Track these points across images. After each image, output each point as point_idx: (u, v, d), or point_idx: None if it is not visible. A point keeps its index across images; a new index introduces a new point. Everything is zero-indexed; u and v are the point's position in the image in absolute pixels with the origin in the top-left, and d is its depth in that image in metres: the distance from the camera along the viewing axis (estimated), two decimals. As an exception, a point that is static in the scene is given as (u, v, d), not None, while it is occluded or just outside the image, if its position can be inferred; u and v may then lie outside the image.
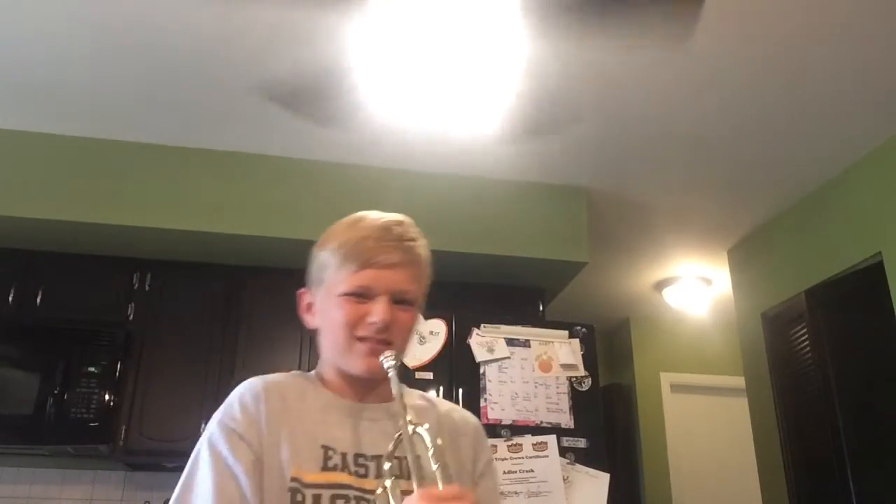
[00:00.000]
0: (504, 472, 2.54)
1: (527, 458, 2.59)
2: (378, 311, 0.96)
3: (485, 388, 2.71)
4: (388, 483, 0.87)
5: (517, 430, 2.66)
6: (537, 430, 2.65)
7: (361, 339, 0.97)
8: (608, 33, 2.41)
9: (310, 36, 2.43)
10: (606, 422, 2.90)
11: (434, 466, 0.83)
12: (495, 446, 2.56)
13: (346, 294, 0.98)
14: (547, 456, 2.60)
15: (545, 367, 2.77)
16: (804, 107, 2.84)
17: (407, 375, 2.44)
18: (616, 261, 4.32)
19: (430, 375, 2.73)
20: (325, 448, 0.94)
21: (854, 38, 2.45)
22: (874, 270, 3.02)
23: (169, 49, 2.55)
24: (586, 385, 2.78)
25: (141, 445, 3.04)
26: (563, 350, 2.80)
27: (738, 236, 4.01)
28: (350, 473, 0.93)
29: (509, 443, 2.61)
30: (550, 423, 2.68)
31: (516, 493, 2.50)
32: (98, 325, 3.12)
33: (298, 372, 1.07)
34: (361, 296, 0.97)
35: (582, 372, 2.79)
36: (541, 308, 3.56)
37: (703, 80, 2.68)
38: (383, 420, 0.99)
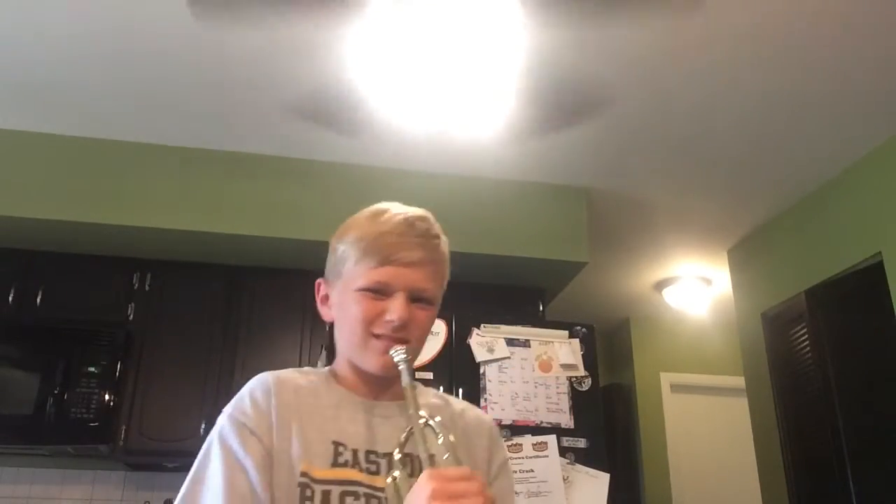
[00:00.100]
0: (504, 472, 2.53)
1: (527, 458, 2.59)
2: (395, 309, 0.94)
3: (485, 388, 2.70)
4: (396, 473, 0.86)
5: (517, 430, 2.66)
6: (537, 430, 2.64)
7: (377, 337, 0.95)
8: (608, 33, 2.41)
9: (310, 37, 2.43)
10: (606, 422, 2.89)
11: (445, 456, 0.82)
12: (495, 446, 2.55)
13: (364, 290, 0.95)
14: (547, 456, 2.60)
15: (545, 367, 2.77)
16: (804, 107, 2.84)
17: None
18: (616, 261, 4.32)
19: (430, 375, 2.72)
20: (336, 444, 0.93)
21: (854, 38, 2.45)
22: (874, 270, 3.02)
23: (168, 49, 2.55)
24: (586, 385, 2.78)
25: (141, 445, 3.05)
26: (563, 350, 2.80)
27: (738, 236, 4.01)
28: (361, 470, 0.92)
29: (509, 443, 2.61)
30: (550, 423, 2.68)
31: (516, 493, 2.50)
32: (98, 325, 3.12)
33: (311, 368, 1.05)
34: (379, 292, 0.95)
35: (582, 372, 2.79)
36: (541, 308, 3.56)
37: (703, 80, 2.68)
38: (396, 417, 0.98)
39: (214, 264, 3.37)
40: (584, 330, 2.88)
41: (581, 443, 2.67)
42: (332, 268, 1.02)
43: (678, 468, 4.98)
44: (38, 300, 3.14)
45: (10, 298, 3.12)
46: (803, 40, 2.46)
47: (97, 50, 2.56)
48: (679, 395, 5.22)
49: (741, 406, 3.98)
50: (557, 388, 2.75)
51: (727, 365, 4.92)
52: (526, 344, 2.80)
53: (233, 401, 0.95)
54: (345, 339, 1.00)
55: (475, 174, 3.36)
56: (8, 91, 2.83)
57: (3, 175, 3.03)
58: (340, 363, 1.03)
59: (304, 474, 0.88)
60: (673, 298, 4.72)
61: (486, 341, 2.78)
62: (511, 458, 2.59)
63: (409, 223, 0.98)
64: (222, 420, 0.93)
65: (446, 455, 0.83)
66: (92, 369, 3.01)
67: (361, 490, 0.90)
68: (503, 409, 2.68)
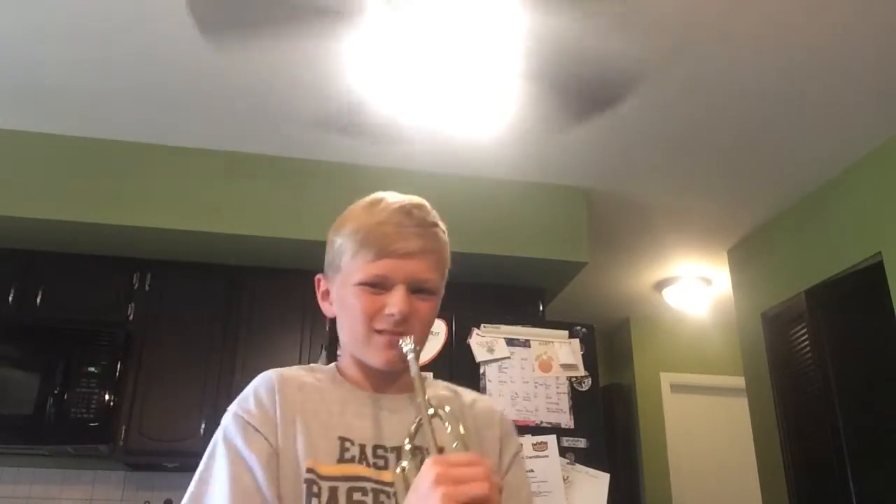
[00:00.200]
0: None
1: (527, 458, 2.59)
2: (396, 303, 0.92)
3: (485, 389, 2.70)
4: (405, 464, 0.85)
5: (517, 430, 2.66)
6: (537, 430, 2.64)
7: (380, 332, 0.93)
8: (609, 32, 2.41)
9: (309, 37, 2.43)
10: (606, 422, 2.89)
11: (454, 445, 0.81)
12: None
13: (363, 284, 0.93)
14: (547, 456, 2.60)
15: (545, 367, 2.77)
16: (804, 107, 2.84)
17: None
18: (616, 261, 4.32)
19: (430, 376, 2.72)
20: (342, 440, 0.91)
21: (854, 38, 2.45)
22: (874, 270, 3.02)
23: (168, 49, 2.55)
24: (586, 385, 2.78)
25: (141, 445, 3.04)
26: (563, 350, 2.80)
27: (738, 236, 4.01)
28: (368, 465, 0.90)
29: (509, 443, 2.60)
30: (550, 423, 2.68)
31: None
32: (98, 325, 3.12)
33: (317, 365, 1.04)
34: (378, 286, 0.93)
35: (582, 372, 2.78)
36: (541, 308, 3.55)
37: (703, 80, 2.68)
38: (404, 410, 0.96)
39: (214, 264, 3.37)
40: (584, 330, 2.87)
41: (581, 443, 2.67)
42: (330, 262, 1.00)
43: (678, 468, 4.98)
44: (38, 300, 3.14)
45: (10, 298, 3.12)
46: (803, 40, 2.46)
47: (97, 50, 2.56)
48: (679, 395, 5.22)
49: (741, 406, 3.98)
50: (557, 388, 2.74)
51: (727, 365, 4.92)
52: (526, 344, 2.80)
53: (237, 399, 0.94)
54: (347, 335, 0.98)
55: (475, 174, 3.36)
56: (8, 91, 2.83)
57: (3, 175, 3.03)
58: (345, 358, 1.02)
59: (310, 471, 0.87)
60: (673, 298, 4.72)
61: (486, 341, 2.78)
62: (511, 457, 2.59)
63: (406, 212, 0.96)
64: (227, 419, 0.92)
65: (455, 444, 0.81)
66: (92, 369, 3.01)
67: (369, 486, 0.88)
68: (503, 409, 2.68)
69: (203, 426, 3.00)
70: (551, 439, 2.64)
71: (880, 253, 3.00)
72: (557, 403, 2.72)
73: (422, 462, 0.77)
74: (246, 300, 3.34)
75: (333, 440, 0.91)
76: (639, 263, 4.41)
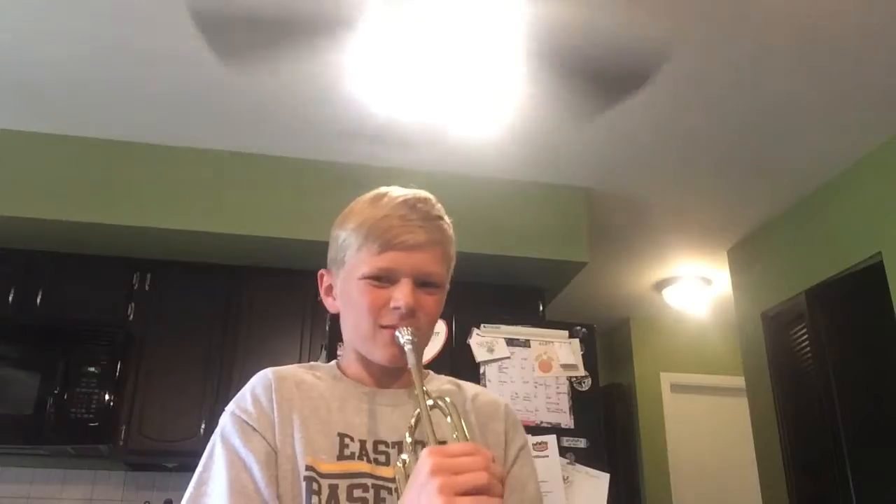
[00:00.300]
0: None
1: (527, 457, 2.59)
2: (401, 296, 0.90)
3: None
4: (405, 457, 0.84)
5: (517, 429, 2.66)
6: (537, 430, 2.64)
7: (385, 327, 0.92)
8: (608, 31, 2.41)
9: (309, 36, 2.43)
10: (606, 422, 2.89)
11: (454, 436, 0.80)
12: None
13: (367, 277, 0.92)
14: (547, 456, 2.60)
15: (545, 367, 2.76)
16: (804, 107, 2.84)
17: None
18: (616, 261, 4.32)
19: (431, 371, 2.73)
20: (342, 436, 0.90)
21: (854, 38, 2.45)
22: (874, 270, 3.02)
23: (169, 50, 2.55)
24: (586, 385, 2.78)
25: (141, 445, 3.04)
26: (563, 350, 2.80)
27: (738, 236, 4.01)
28: (369, 462, 0.89)
29: (509, 443, 2.60)
30: (550, 423, 2.68)
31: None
32: (98, 325, 3.12)
33: (316, 363, 1.03)
34: (383, 279, 0.92)
35: (582, 372, 2.78)
36: (541, 308, 3.55)
37: (703, 80, 2.68)
38: (404, 404, 0.95)
39: (214, 264, 3.37)
40: (584, 330, 2.87)
41: (581, 443, 2.67)
42: (334, 257, 0.99)
43: (678, 468, 4.98)
44: (38, 300, 3.14)
45: (10, 298, 3.12)
46: (804, 40, 2.46)
47: (98, 50, 2.56)
48: (679, 395, 5.22)
49: (741, 406, 3.98)
50: (557, 388, 2.74)
51: (727, 365, 4.92)
52: (526, 344, 2.80)
53: (234, 399, 0.93)
54: (351, 331, 0.97)
55: (475, 174, 3.36)
56: (8, 91, 2.83)
57: (3, 175, 3.03)
58: (347, 355, 1.01)
59: (309, 468, 0.86)
60: (673, 298, 4.72)
61: (486, 341, 2.78)
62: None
63: (411, 205, 0.95)
64: (224, 419, 0.91)
65: (455, 435, 0.80)
66: (92, 369, 3.01)
67: (370, 482, 0.87)
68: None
69: (203, 426, 3.00)
70: (551, 439, 2.63)
71: (880, 253, 3.00)
72: (557, 403, 2.72)
73: None
74: (246, 300, 3.34)
75: (333, 437, 0.90)
76: (639, 263, 4.41)
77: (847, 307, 3.24)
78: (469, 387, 1.05)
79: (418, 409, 0.84)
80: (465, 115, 2.87)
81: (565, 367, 2.78)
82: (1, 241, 3.16)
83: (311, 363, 1.03)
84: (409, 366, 0.87)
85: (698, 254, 4.26)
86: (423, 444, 0.85)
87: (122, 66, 2.65)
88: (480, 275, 3.42)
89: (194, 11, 2.33)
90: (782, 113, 2.88)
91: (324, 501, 0.85)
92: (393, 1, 2.25)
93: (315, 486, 0.85)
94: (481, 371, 2.74)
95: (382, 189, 0.98)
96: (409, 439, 0.87)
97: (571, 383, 2.76)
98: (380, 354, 0.93)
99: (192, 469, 0.89)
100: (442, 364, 2.76)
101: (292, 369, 0.98)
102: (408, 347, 0.89)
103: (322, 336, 3.20)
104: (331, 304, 1.01)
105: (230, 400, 0.95)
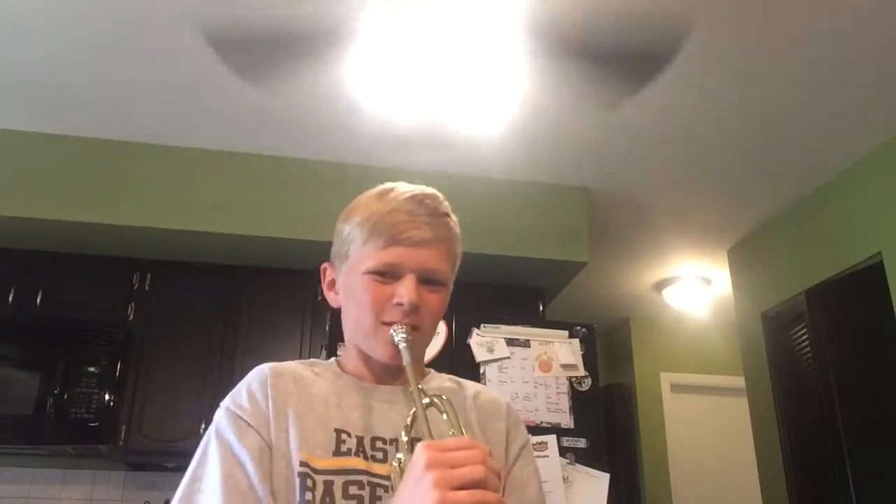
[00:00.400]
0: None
1: (527, 457, 2.59)
2: (405, 292, 0.89)
3: (485, 388, 2.71)
4: (401, 456, 0.83)
5: (517, 429, 2.65)
6: (537, 430, 2.64)
7: (387, 324, 0.90)
8: (610, 24, 2.41)
9: (310, 36, 2.43)
10: (606, 422, 2.89)
11: (451, 432, 0.79)
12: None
13: (371, 272, 0.91)
14: (547, 456, 2.60)
15: (545, 367, 2.76)
16: (804, 107, 2.83)
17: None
18: (616, 261, 4.32)
19: (432, 369, 2.73)
20: (339, 431, 0.89)
21: (854, 39, 2.45)
22: (874, 270, 3.02)
23: (168, 50, 2.55)
24: (586, 385, 2.78)
25: (141, 445, 3.05)
26: (563, 350, 2.80)
27: (738, 236, 4.01)
28: (366, 458, 0.88)
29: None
30: (550, 423, 2.68)
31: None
32: (98, 325, 3.12)
33: (316, 360, 1.02)
34: (387, 274, 0.90)
35: (582, 372, 2.78)
36: (541, 308, 3.55)
37: (703, 80, 2.68)
38: (403, 402, 0.94)
39: (214, 264, 3.37)
40: (584, 330, 2.87)
41: (581, 443, 2.67)
42: (338, 250, 0.98)
43: (678, 468, 4.98)
44: (38, 300, 3.14)
45: (10, 298, 3.12)
46: (804, 40, 2.46)
47: (98, 50, 2.56)
48: (679, 395, 5.22)
49: (741, 406, 3.98)
50: (557, 388, 2.74)
51: (727, 365, 4.92)
52: (526, 344, 2.80)
53: (230, 394, 0.92)
54: (353, 326, 0.96)
55: (475, 174, 3.35)
56: (8, 91, 2.83)
57: (3, 175, 3.03)
58: (348, 351, 1.00)
59: (303, 464, 0.85)
60: (673, 298, 4.72)
61: (486, 341, 2.78)
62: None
63: (418, 200, 0.93)
64: (219, 414, 0.90)
65: (451, 432, 0.80)
66: (92, 369, 3.01)
67: (365, 479, 0.86)
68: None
69: (203, 426, 3.00)
70: (551, 439, 2.63)
71: (880, 253, 3.00)
72: (557, 403, 2.72)
73: None
74: (246, 300, 3.34)
75: (329, 432, 0.89)
76: (639, 263, 4.41)
77: (847, 307, 3.24)
78: (470, 385, 1.04)
79: (415, 408, 0.83)
80: (464, 115, 2.87)
81: (565, 367, 2.78)
82: (1, 241, 3.16)
83: (311, 360, 1.02)
84: (405, 364, 0.87)
85: (698, 254, 4.26)
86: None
87: (123, 66, 2.65)
88: (480, 275, 3.42)
89: (197, 24, 2.33)
90: (782, 113, 2.88)
91: (318, 498, 0.84)
92: (393, 2, 2.25)
93: (309, 482, 0.84)
94: (481, 371, 2.74)
95: (389, 184, 0.97)
96: (405, 438, 0.85)
97: (571, 383, 2.76)
98: (380, 351, 0.92)
99: (192, 468, 0.89)
100: (442, 364, 2.76)
101: (290, 365, 0.97)
102: (402, 345, 0.88)
103: (322, 336, 3.21)
104: (333, 298, 1.00)
105: None
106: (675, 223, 3.86)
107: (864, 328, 3.19)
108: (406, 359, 0.87)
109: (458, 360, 2.76)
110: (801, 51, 2.51)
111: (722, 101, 2.80)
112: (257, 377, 0.93)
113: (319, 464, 0.86)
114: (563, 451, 2.64)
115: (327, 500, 0.84)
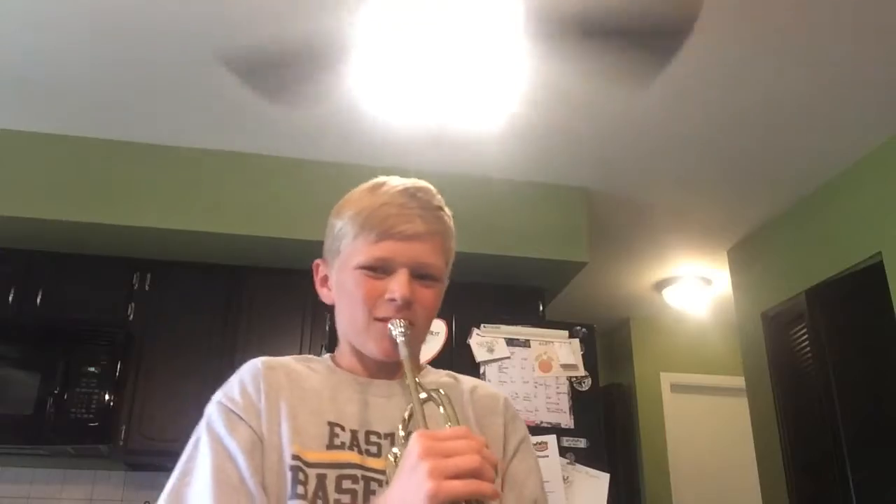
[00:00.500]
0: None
1: (527, 457, 2.59)
2: (398, 287, 0.88)
3: (485, 388, 2.71)
4: (396, 450, 0.82)
5: (517, 429, 2.65)
6: (537, 430, 2.64)
7: (380, 320, 0.89)
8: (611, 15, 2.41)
9: (309, 35, 2.43)
10: (606, 422, 2.89)
11: (447, 425, 0.78)
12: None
13: (363, 267, 0.90)
14: (547, 456, 2.60)
15: (545, 367, 2.77)
16: (804, 107, 2.83)
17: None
18: (616, 261, 4.32)
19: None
20: (332, 425, 0.87)
21: (854, 39, 2.45)
22: (874, 270, 3.02)
23: (169, 50, 2.55)
24: (586, 385, 2.78)
25: (141, 445, 3.04)
26: (563, 350, 2.80)
27: (738, 236, 4.01)
28: (360, 452, 0.86)
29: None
30: (550, 423, 2.68)
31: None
32: (98, 325, 3.12)
33: (312, 356, 1.01)
34: (380, 269, 0.89)
35: (582, 372, 2.78)
36: (541, 308, 3.55)
37: (703, 80, 2.68)
38: (399, 396, 0.92)
39: (214, 264, 3.37)
40: (584, 330, 2.88)
41: (581, 443, 2.67)
42: (329, 246, 0.97)
43: (678, 468, 4.98)
44: (38, 300, 3.14)
45: (10, 298, 3.11)
46: (804, 41, 2.46)
47: (98, 50, 2.56)
48: (679, 395, 5.22)
49: (741, 406, 3.98)
50: (557, 388, 2.74)
51: (727, 365, 4.92)
52: (526, 344, 2.80)
53: (221, 388, 0.91)
54: (345, 322, 0.94)
55: (474, 173, 3.35)
56: (8, 91, 2.83)
57: (3, 175, 3.03)
58: (342, 347, 0.98)
59: (295, 457, 0.83)
60: (673, 298, 4.72)
61: (486, 341, 2.78)
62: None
63: (410, 194, 0.92)
64: (210, 407, 0.90)
65: (448, 425, 0.78)
66: (92, 369, 3.01)
67: (359, 473, 0.85)
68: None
69: (203, 426, 3.00)
70: (551, 439, 2.64)
71: (880, 253, 3.00)
72: (557, 403, 2.72)
73: None
74: (246, 300, 3.34)
75: (323, 425, 0.87)
76: (639, 263, 4.41)
77: (847, 307, 3.24)
78: (467, 380, 1.03)
79: (411, 403, 0.82)
80: (464, 115, 2.87)
81: (565, 367, 2.78)
82: (1, 241, 3.15)
83: (306, 356, 1.00)
84: (402, 358, 0.86)
85: (698, 254, 4.26)
86: None
87: (123, 66, 2.65)
88: (480, 275, 3.42)
89: (197, 33, 2.34)
90: (782, 113, 2.88)
91: (311, 492, 0.82)
92: (390, 3, 2.25)
93: (301, 475, 0.82)
94: (481, 371, 2.74)
95: (381, 178, 0.96)
96: (401, 433, 0.84)
97: (571, 383, 2.77)
98: (373, 347, 0.91)
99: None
100: (442, 364, 2.75)
101: (284, 360, 0.96)
102: (400, 340, 0.87)
103: (322, 336, 3.21)
104: (325, 294, 0.99)
105: None
106: (675, 223, 3.86)
107: (864, 328, 3.19)
108: (403, 353, 0.86)
109: (458, 360, 2.76)
110: (801, 51, 2.51)
111: (722, 102, 2.80)
112: (250, 371, 0.92)
113: (312, 457, 0.84)
114: (563, 451, 2.64)
115: (320, 493, 0.82)
